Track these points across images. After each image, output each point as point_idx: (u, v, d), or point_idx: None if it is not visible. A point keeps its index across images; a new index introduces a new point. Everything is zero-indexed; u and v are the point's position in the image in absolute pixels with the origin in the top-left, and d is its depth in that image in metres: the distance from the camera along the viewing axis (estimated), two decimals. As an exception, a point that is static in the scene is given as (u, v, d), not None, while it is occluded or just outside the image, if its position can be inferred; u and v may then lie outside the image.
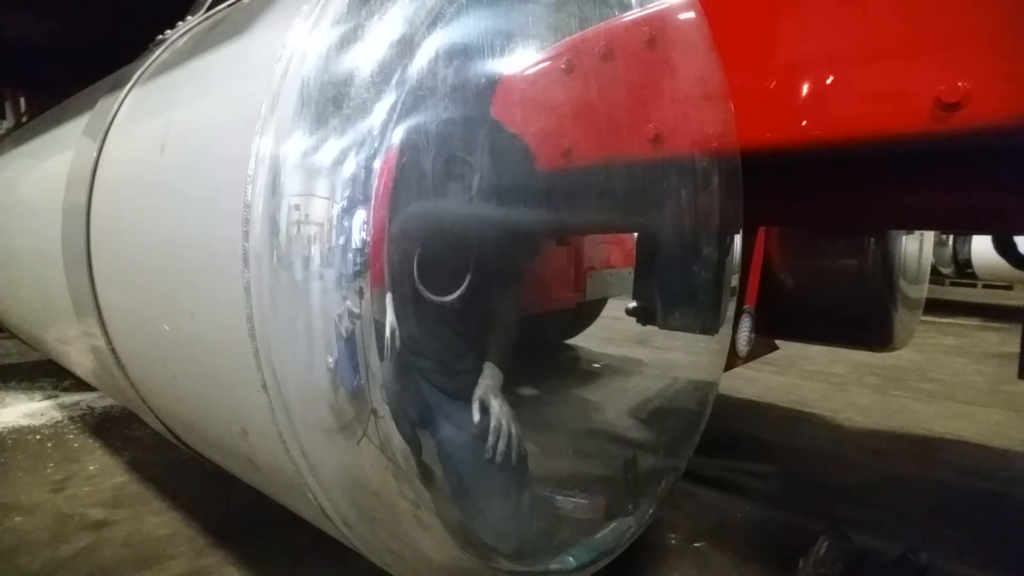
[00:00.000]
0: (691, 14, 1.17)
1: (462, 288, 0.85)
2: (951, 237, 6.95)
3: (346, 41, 0.81)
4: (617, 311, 1.18)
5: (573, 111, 0.98)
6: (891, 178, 1.35)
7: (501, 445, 0.87)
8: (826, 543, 1.44)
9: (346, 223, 0.73)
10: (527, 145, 0.91)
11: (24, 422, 2.71)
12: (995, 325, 5.98)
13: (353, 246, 0.73)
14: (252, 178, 0.82)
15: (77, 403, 2.97)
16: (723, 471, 2.25)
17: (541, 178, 0.94)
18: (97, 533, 1.73)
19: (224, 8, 1.42)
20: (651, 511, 1.23)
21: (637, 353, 1.23)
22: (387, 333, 0.76)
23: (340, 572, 1.52)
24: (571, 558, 1.06)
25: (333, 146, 0.76)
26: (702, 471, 2.16)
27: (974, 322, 6.17)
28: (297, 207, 0.77)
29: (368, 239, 0.73)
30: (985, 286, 8.57)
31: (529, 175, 0.92)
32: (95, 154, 1.40)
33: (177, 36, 1.55)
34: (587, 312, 1.19)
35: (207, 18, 1.49)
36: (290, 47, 0.87)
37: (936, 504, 2.04)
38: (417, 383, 0.82)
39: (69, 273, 1.50)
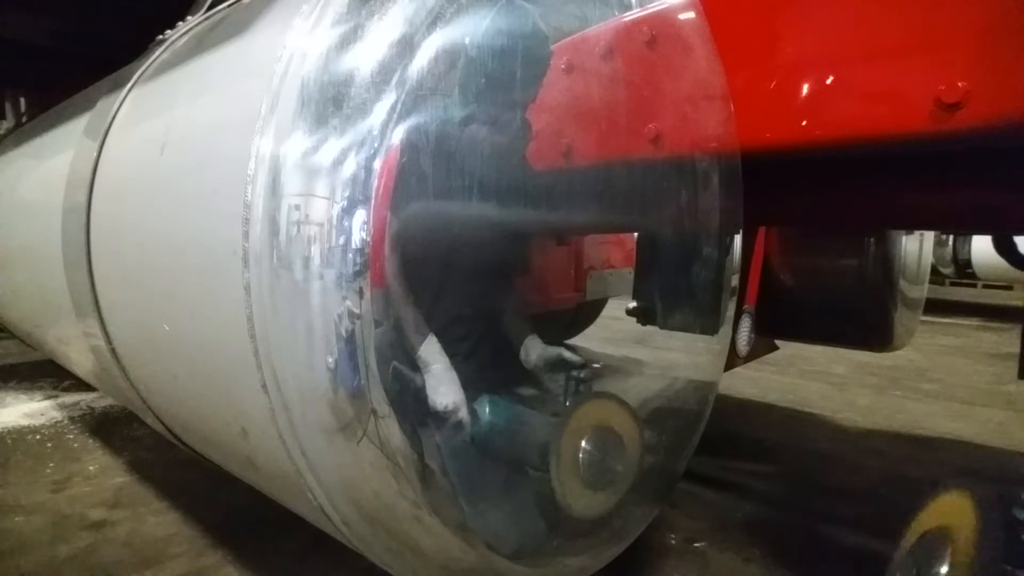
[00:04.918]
0: (691, 14, 1.17)
1: (461, 288, 0.86)
2: (951, 237, 6.94)
3: (346, 41, 0.81)
4: (617, 311, 1.18)
5: (573, 111, 0.98)
6: (891, 178, 1.35)
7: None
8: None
9: (346, 223, 0.73)
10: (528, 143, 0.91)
11: (24, 422, 2.71)
12: (995, 325, 5.98)
13: (353, 246, 0.73)
14: (252, 178, 0.82)
15: (77, 403, 2.97)
16: (723, 471, 2.24)
17: (541, 178, 0.94)
18: (97, 533, 1.73)
19: (224, 8, 1.42)
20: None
21: (637, 353, 1.23)
22: (387, 333, 0.76)
23: (340, 572, 1.52)
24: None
25: (333, 146, 0.76)
26: (702, 471, 2.16)
27: (974, 322, 6.17)
28: (297, 207, 0.77)
29: (368, 239, 0.73)
30: (985, 286, 8.57)
31: (529, 175, 0.92)
32: (95, 154, 1.40)
33: (177, 36, 1.55)
34: (587, 312, 1.19)
35: (207, 18, 1.49)
36: (290, 47, 0.87)
37: (936, 504, 2.04)
38: (417, 383, 0.82)
39: (69, 273, 1.50)
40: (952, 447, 2.59)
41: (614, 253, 1.18)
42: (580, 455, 1.00)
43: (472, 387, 0.89)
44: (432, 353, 0.82)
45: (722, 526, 1.82)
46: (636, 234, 1.18)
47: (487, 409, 0.91)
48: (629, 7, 1.08)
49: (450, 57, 0.81)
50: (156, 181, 1.14)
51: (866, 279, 1.96)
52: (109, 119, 1.42)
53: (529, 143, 0.92)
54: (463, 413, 0.86)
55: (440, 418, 0.84)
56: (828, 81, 1.09)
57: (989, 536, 0.71)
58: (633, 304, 1.18)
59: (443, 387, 0.83)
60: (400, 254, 0.76)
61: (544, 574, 1.04)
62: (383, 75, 0.77)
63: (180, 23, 1.68)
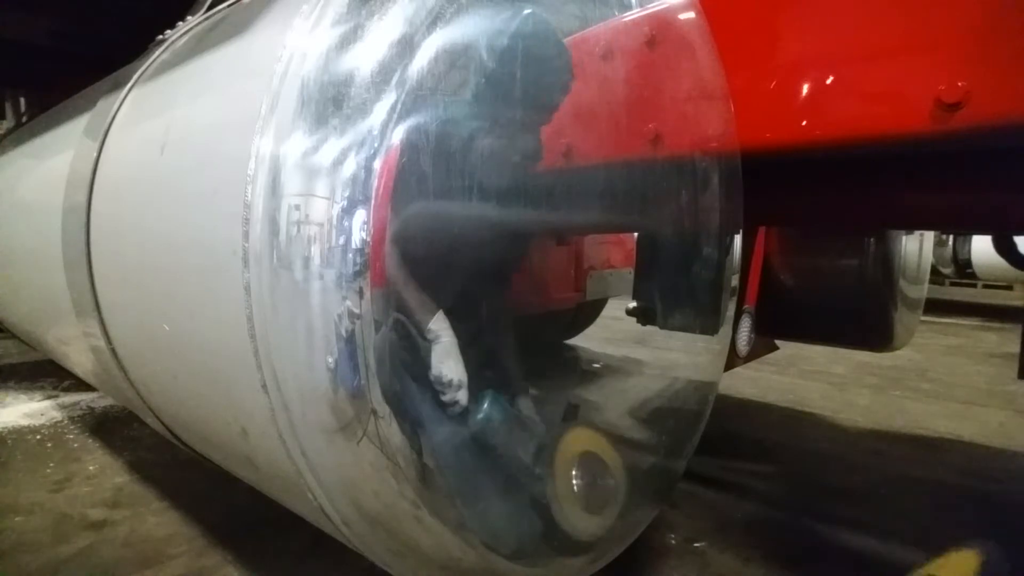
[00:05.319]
0: (691, 14, 1.17)
1: (461, 288, 0.85)
2: (951, 237, 6.94)
3: (346, 41, 0.81)
4: (617, 311, 1.18)
5: (573, 111, 0.98)
6: (891, 178, 1.35)
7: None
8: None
9: (346, 223, 0.73)
10: (528, 140, 0.91)
11: (24, 422, 2.71)
12: (995, 325, 5.98)
13: (353, 246, 0.73)
14: (252, 178, 0.82)
15: (77, 403, 2.97)
16: (723, 471, 2.24)
17: (541, 178, 0.94)
18: (97, 533, 1.73)
19: (224, 8, 1.42)
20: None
21: (637, 353, 1.23)
22: (387, 333, 0.76)
23: (340, 572, 1.52)
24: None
25: (333, 146, 0.76)
26: (702, 471, 2.16)
27: (974, 322, 6.17)
28: (297, 207, 0.77)
29: (368, 239, 0.73)
30: (985, 286, 8.57)
31: (529, 174, 0.92)
32: (95, 154, 1.40)
33: (177, 36, 1.55)
34: (587, 312, 1.19)
35: (207, 18, 1.49)
36: (290, 47, 0.87)
37: (937, 504, 2.04)
38: (417, 382, 0.82)
39: (69, 273, 1.50)
40: (952, 447, 2.59)
41: (614, 253, 1.18)
42: (573, 485, 1.02)
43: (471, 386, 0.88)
44: (442, 326, 0.82)
45: (722, 526, 1.82)
46: (636, 234, 1.18)
47: (487, 403, 0.91)
48: (629, 7, 1.08)
49: (450, 57, 0.81)
50: (156, 181, 1.14)
51: (866, 279, 1.96)
52: (109, 119, 1.42)
53: (541, 154, 0.91)
54: (463, 394, 0.85)
55: (442, 387, 0.83)
56: (828, 81, 1.09)
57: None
58: (633, 304, 1.18)
59: (450, 360, 0.83)
60: (400, 254, 0.76)
61: (544, 574, 1.04)
62: (383, 75, 0.77)
63: (180, 23, 1.68)
